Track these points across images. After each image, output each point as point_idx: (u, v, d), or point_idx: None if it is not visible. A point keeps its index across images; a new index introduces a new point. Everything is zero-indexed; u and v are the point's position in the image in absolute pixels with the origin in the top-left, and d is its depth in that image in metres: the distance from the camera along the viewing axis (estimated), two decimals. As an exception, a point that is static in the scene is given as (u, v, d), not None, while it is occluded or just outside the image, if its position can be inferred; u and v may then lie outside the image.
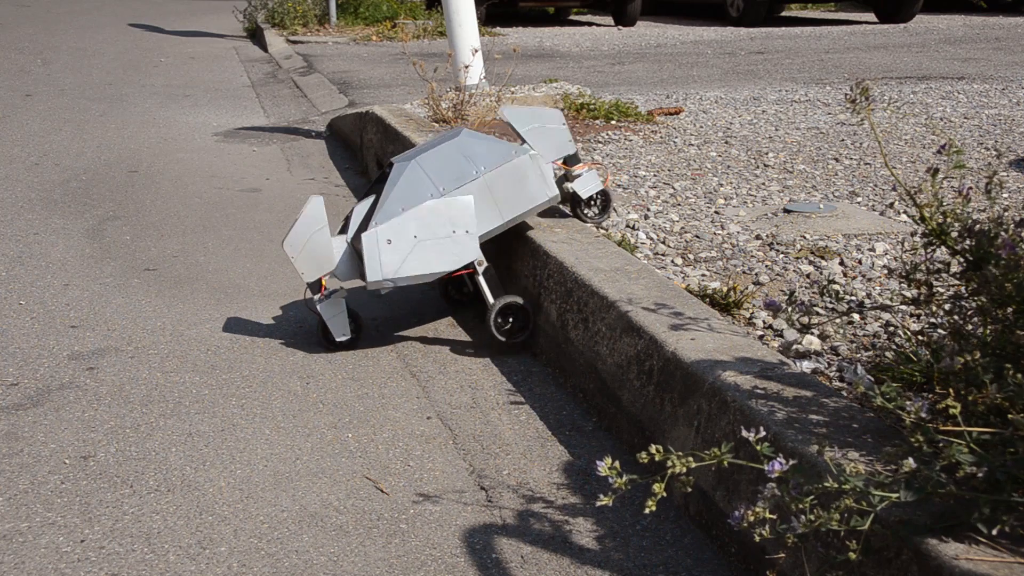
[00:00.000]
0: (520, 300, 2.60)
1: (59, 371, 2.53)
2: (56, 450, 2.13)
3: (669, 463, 1.34)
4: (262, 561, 1.75)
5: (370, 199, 2.64)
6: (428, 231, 2.51)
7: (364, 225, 2.57)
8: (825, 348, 2.17)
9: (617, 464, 1.38)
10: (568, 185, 2.84)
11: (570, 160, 2.81)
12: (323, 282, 2.59)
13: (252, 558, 1.76)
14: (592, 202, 2.93)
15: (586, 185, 2.86)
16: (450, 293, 2.97)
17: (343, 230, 2.64)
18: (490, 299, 2.60)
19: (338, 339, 2.63)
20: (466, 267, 2.58)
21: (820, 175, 3.86)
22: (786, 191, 3.59)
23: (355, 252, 2.60)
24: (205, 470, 2.06)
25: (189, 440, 2.19)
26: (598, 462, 1.38)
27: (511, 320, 2.61)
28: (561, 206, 2.99)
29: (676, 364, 1.96)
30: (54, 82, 7.63)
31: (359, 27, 11.27)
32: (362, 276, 2.56)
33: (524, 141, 2.69)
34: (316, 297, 2.60)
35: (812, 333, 2.23)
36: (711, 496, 1.78)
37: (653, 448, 1.36)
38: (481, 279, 2.60)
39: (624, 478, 1.37)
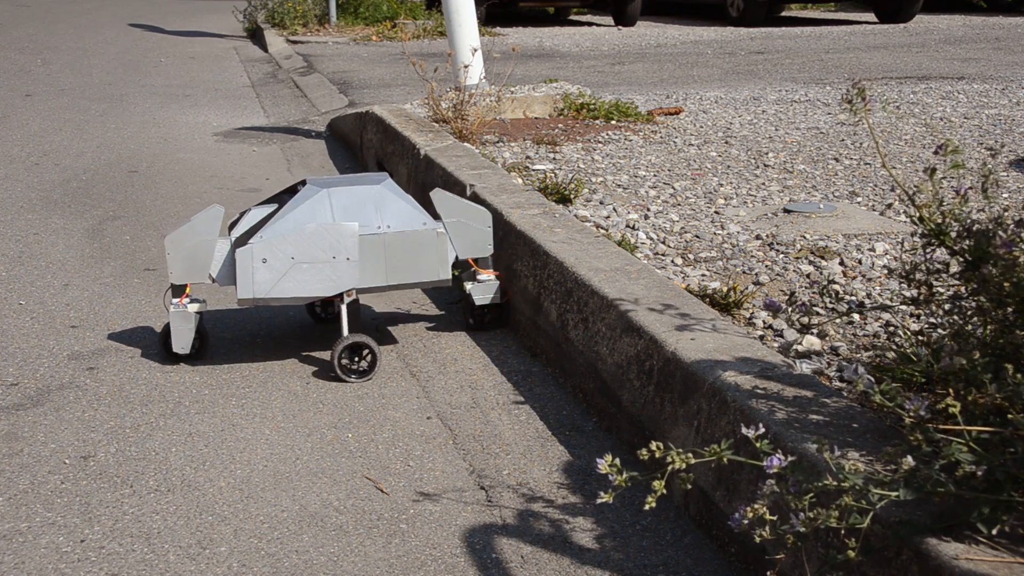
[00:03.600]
0: (371, 342, 2.49)
1: (59, 371, 2.54)
2: (56, 450, 2.13)
3: (669, 459, 1.34)
4: (262, 561, 1.75)
5: (270, 207, 2.54)
6: (307, 254, 2.44)
7: (252, 234, 2.47)
8: (825, 348, 2.17)
9: (617, 461, 1.38)
10: (467, 285, 2.74)
11: (482, 263, 2.72)
12: (187, 289, 2.52)
13: (252, 558, 1.76)
14: (486, 310, 2.80)
15: (482, 293, 2.73)
16: (316, 310, 2.89)
17: (233, 225, 2.55)
18: (344, 331, 2.50)
19: (175, 350, 2.54)
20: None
21: (820, 175, 3.86)
22: (786, 191, 3.60)
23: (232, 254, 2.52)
24: (205, 470, 2.06)
25: (189, 440, 2.19)
26: (598, 459, 1.39)
27: (359, 359, 2.50)
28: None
29: (676, 364, 1.97)
30: (54, 82, 7.63)
31: (359, 27, 11.27)
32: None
33: (444, 230, 2.61)
34: (174, 302, 2.52)
35: (812, 333, 2.23)
36: (711, 496, 1.78)
37: (653, 445, 1.36)
38: (344, 309, 2.51)
39: (624, 475, 1.37)
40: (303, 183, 2.56)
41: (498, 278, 2.75)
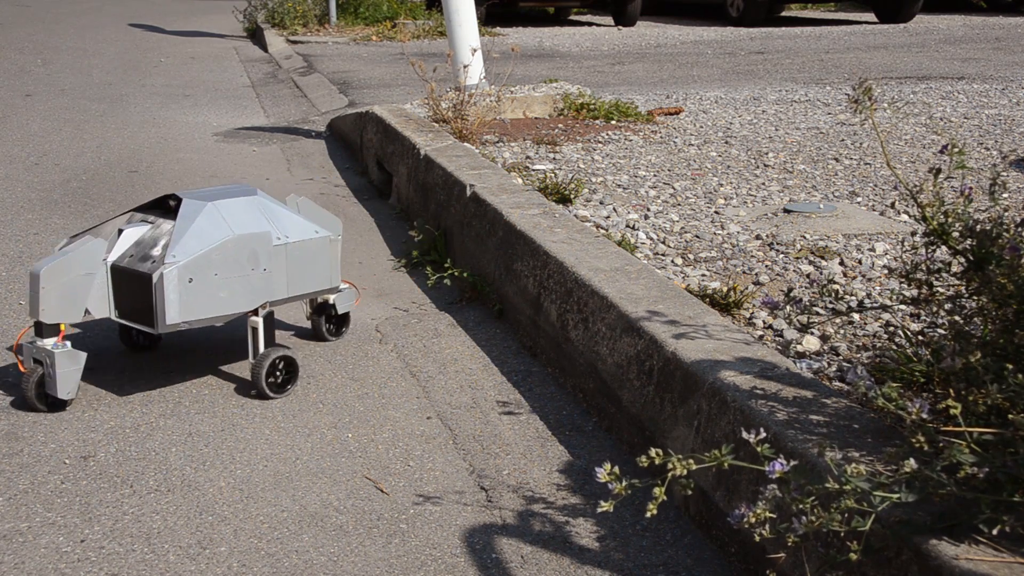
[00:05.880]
0: (291, 353, 2.40)
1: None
2: (56, 450, 2.13)
3: (669, 465, 1.34)
4: (262, 561, 1.75)
5: (143, 226, 2.36)
6: (229, 268, 2.30)
7: (145, 256, 2.27)
8: (825, 348, 2.16)
9: (616, 469, 1.38)
10: (327, 295, 2.67)
11: None
12: (62, 328, 2.28)
13: (252, 558, 1.76)
14: (336, 319, 2.76)
15: (344, 301, 2.70)
16: (133, 336, 2.67)
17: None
18: (261, 347, 2.39)
19: (62, 396, 2.28)
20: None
21: (820, 175, 3.86)
22: (786, 191, 3.60)
23: (120, 281, 2.30)
24: (205, 470, 2.06)
25: (189, 440, 2.19)
26: (597, 468, 1.38)
27: (279, 372, 2.39)
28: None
29: (676, 364, 1.96)
30: (54, 82, 7.63)
31: (359, 27, 11.27)
32: (117, 309, 2.32)
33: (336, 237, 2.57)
34: (54, 342, 2.26)
35: (812, 333, 2.23)
36: (711, 496, 1.78)
37: (653, 452, 1.36)
38: (260, 322, 2.39)
39: (623, 483, 1.37)
40: (173, 197, 2.39)
41: (351, 286, 2.74)
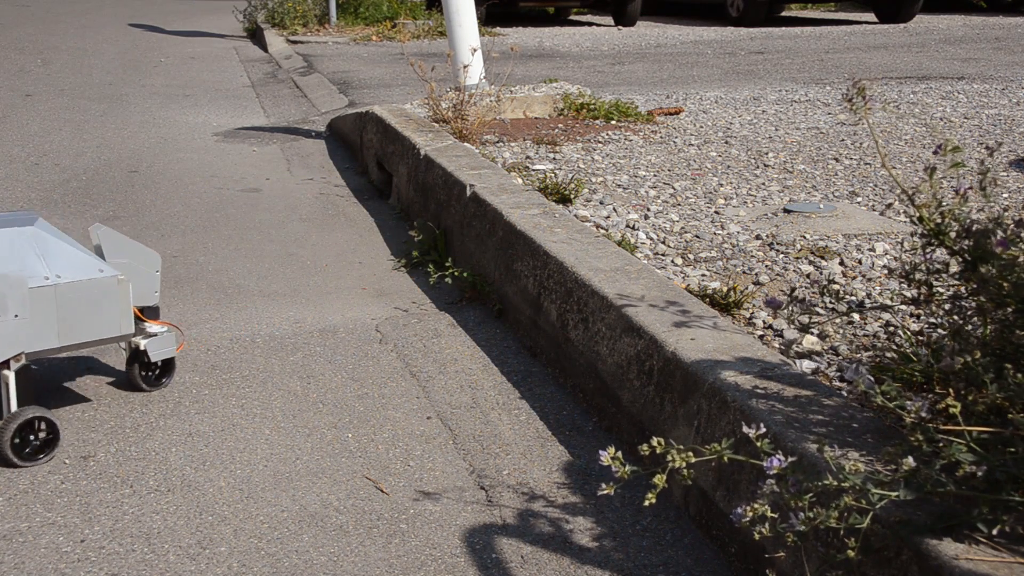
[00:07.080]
0: (48, 413, 2.09)
1: (59, 371, 2.53)
2: (56, 450, 2.13)
3: (669, 457, 1.34)
4: (262, 561, 1.75)
5: None
6: None
7: None
8: (825, 348, 2.17)
9: (620, 454, 1.39)
10: (139, 340, 2.35)
11: (149, 312, 2.38)
12: None
13: (252, 558, 1.76)
14: (155, 366, 2.43)
15: (159, 347, 2.37)
16: None
17: None
18: (13, 405, 2.08)
19: None
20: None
21: (820, 175, 3.86)
22: (786, 191, 3.60)
23: None
24: (205, 470, 2.06)
25: (189, 440, 2.19)
26: (601, 452, 1.39)
27: (33, 436, 2.07)
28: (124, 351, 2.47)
29: (676, 364, 1.97)
30: (54, 82, 7.63)
31: (359, 27, 11.27)
32: None
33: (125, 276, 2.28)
34: None
35: (812, 333, 2.23)
36: (711, 496, 1.78)
37: (655, 440, 1.36)
38: (12, 376, 2.08)
39: (627, 467, 1.38)
40: None
41: (172, 328, 2.45)
